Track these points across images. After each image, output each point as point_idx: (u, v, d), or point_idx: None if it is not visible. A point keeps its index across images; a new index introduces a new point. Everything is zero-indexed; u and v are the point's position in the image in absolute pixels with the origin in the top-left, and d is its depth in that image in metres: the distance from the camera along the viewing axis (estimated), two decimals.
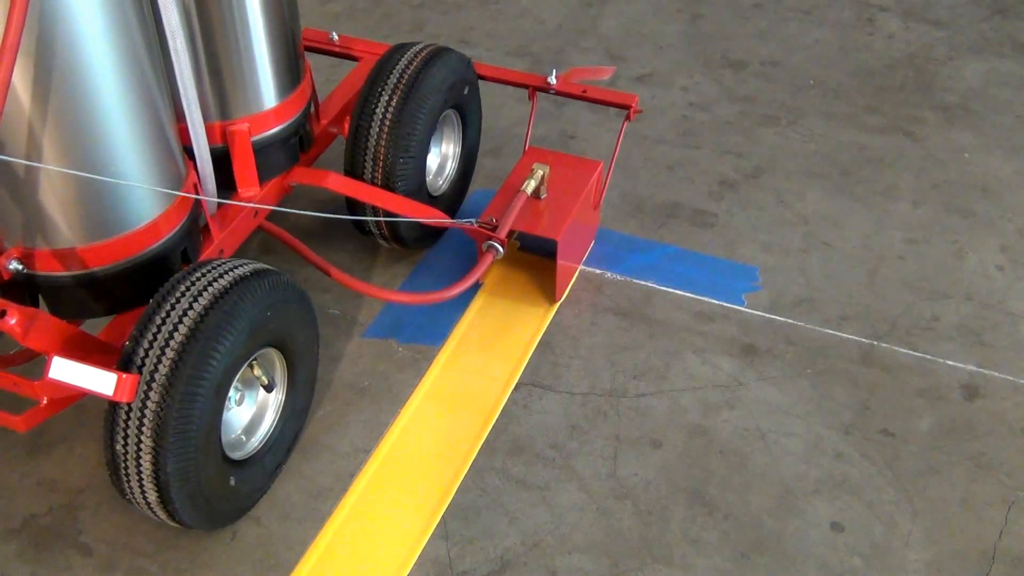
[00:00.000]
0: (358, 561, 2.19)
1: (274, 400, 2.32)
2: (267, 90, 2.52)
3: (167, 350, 1.96)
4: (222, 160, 2.50)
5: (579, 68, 3.21)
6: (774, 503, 2.32)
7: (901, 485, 2.37)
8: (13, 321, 1.89)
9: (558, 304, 2.82)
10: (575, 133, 3.52)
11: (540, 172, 2.71)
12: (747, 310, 2.83)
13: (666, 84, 3.84)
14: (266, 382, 2.25)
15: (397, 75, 2.69)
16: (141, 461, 1.98)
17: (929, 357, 2.70)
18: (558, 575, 2.17)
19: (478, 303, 2.83)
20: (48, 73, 1.87)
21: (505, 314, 2.80)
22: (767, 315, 2.81)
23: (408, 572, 2.17)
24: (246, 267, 2.13)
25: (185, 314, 1.99)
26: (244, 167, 2.54)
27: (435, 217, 2.70)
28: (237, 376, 2.11)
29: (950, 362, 2.68)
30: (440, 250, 3.01)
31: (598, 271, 2.95)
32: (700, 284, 2.91)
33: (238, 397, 2.25)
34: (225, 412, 2.13)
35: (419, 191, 2.76)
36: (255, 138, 2.53)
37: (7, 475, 2.34)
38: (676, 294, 2.88)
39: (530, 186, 2.69)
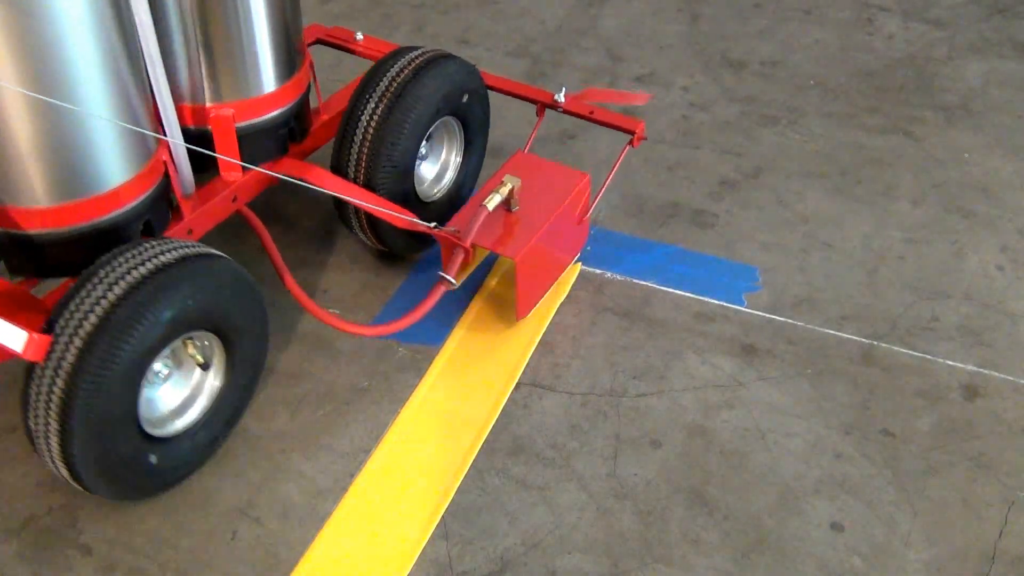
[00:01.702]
0: (358, 561, 2.19)
1: (209, 381, 2.31)
2: (257, 77, 2.52)
3: (75, 338, 1.97)
4: (209, 142, 2.51)
5: (604, 90, 3.15)
6: (774, 503, 2.32)
7: (901, 485, 2.37)
8: None
9: (558, 304, 2.82)
10: (575, 133, 3.52)
11: (508, 186, 2.63)
12: (747, 310, 2.83)
13: (666, 84, 3.84)
14: (201, 361, 2.24)
15: (387, 82, 2.67)
16: (50, 441, 2.01)
17: (929, 357, 2.70)
18: (558, 575, 2.17)
19: (478, 303, 2.83)
20: (14, 17, 1.89)
21: (505, 314, 2.79)
22: (767, 315, 2.81)
23: (408, 572, 2.17)
24: (176, 252, 2.12)
25: (98, 303, 2.00)
26: (226, 151, 2.54)
27: (402, 211, 2.64)
28: (155, 361, 2.12)
29: (950, 362, 2.68)
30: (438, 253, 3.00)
31: (598, 271, 2.95)
32: (700, 284, 2.91)
33: (165, 374, 2.25)
34: (150, 391, 2.18)
35: (404, 197, 2.72)
36: (242, 123, 2.53)
37: (7, 475, 2.34)
38: (676, 294, 2.88)
39: (493, 200, 2.60)
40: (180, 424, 2.27)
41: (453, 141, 2.96)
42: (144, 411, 2.15)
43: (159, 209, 2.35)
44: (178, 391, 2.28)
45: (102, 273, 2.04)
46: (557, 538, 2.24)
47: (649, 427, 2.49)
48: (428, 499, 2.31)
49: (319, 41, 3.23)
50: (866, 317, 2.81)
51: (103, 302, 1.99)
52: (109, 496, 2.17)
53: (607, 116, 2.95)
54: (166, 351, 2.14)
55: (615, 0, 4.38)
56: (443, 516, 2.28)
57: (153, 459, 2.18)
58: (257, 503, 2.30)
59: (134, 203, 2.24)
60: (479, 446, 2.43)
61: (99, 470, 2.08)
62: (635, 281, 2.92)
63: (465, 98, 2.86)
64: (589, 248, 3.02)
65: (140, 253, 2.09)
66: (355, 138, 2.64)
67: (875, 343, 2.73)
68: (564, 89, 2.97)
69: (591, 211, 2.88)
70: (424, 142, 2.80)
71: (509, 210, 2.67)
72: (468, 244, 2.54)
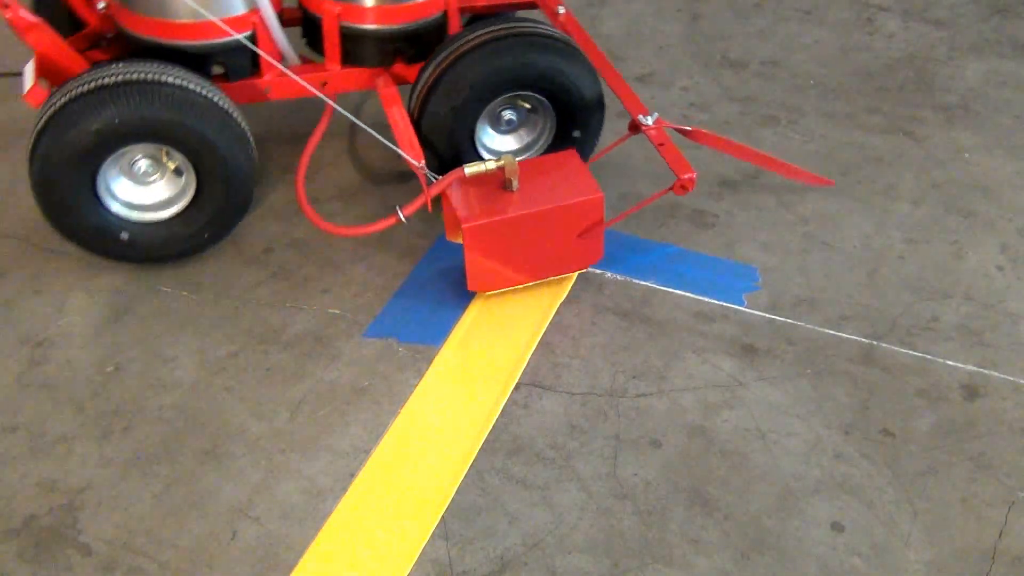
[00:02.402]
0: (358, 561, 2.19)
1: (179, 185, 2.78)
2: None
3: (39, 122, 2.57)
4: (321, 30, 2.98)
5: (776, 161, 3.22)
6: (774, 503, 2.32)
7: (901, 485, 2.37)
8: (10, 15, 2.58)
9: (558, 304, 2.82)
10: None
11: (500, 163, 2.67)
12: (747, 310, 2.83)
13: (666, 84, 3.84)
14: (173, 167, 2.74)
15: (484, 29, 2.82)
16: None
17: (929, 357, 2.70)
18: (558, 575, 2.17)
19: (478, 303, 2.83)
20: None
21: (505, 314, 2.80)
22: (767, 315, 2.81)
23: (408, 572, 2.17)
24: (117, 76, 2.55)
25: (51, 107, 2.54)
26: (330, 43, 2.97)
27: (415, 150, 2.77)
28: (108, 158, 2.62)
29: (950, 362, 2.68)
30: (439, 255, 3.01)
31: (598, 271, 2.95)
32: (700, 284, 2.91)
33: (143, 171, 2.73)
34: (117, 182, 2.71)
35: (458, 145, 2.91)
36: (351, 24, 2.93)
37: (7, 475, 2.34)
38: (676, 294, 2.88)
39: (474, 168, 2.67)
40: (155, 216, 2.77)
41: (547, 129, 3.06)
42: (118, 196, 2.72)
43: (234, 59, 2.88)
44: (150, 190, 2.77)
45: (67, 85, 2.59)
46: (557, 538, 2.24)
47: (649, 427, 2.49)
48: (428, 499, 2.31)
49: (536, 5, 3.40)
50: (866, 317, 2.81)
51: (52, 108, 2.55)
52: (85, 249, 2.76)
53: (671, 154, 2.85)
54: (122, 152, 2.65)
55: (615, 0, 4.38)
56: (443, 516, 2.28)
57: (125, 235, 2.72)
58: (257, 503, 2.30)
59: (207, 42, 2.81)
60: (479, 446, 2.43)
61: (64, 227, 2.69)
62: (635, 281, 2.92)
63: (579, 119, 2.97)
64: None
65: (92, 73, 2.60)
66: (431, 67, 2.83)
67: (875, 343, 2.73)
68: (656, 115, 2.93)
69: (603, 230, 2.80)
70: (516, 108, 2.98)
71: (505, 189, 2.71)
72: (430, 193, 2.67)
